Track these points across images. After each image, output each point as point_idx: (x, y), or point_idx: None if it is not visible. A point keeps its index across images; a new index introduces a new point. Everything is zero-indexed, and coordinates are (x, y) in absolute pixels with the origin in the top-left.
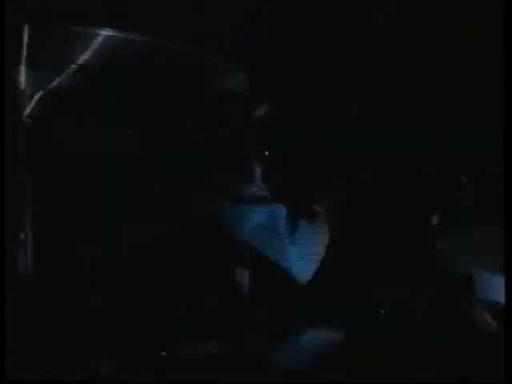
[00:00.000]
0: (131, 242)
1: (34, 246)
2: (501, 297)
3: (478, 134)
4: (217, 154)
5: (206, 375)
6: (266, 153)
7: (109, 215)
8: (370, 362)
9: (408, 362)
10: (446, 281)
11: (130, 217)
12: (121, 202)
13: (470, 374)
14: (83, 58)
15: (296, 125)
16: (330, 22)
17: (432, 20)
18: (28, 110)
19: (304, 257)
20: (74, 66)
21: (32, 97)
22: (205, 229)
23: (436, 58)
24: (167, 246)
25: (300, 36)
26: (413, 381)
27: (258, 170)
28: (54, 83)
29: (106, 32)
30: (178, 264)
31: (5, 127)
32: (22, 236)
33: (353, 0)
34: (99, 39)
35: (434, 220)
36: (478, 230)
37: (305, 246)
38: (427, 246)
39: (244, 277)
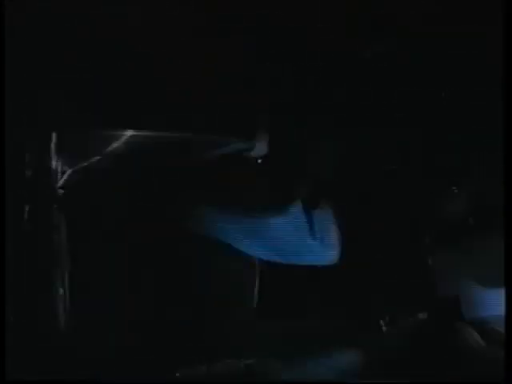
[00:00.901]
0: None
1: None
2: (488, 314)
3: (478, 134)
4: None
5: None
6: (259, 160)
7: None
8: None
9: (408, 360)
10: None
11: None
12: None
13: (470, 374)
14: (108, 149)
15: (296, 125)
16: (329, 22)
17: (432, 20)
18: (61, 183)
19: (326, 243)
20: (97, 157)
21: (63, 173)
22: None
23: (436, 58)
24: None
25: (300, 36)
26: (413, 380)
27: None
28: (82, 164)
29: (128, 132)
30: (190, 283)
31: (5, 153)
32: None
33: (353, 0)
34: (122, 138)
35: (427, 234)
36: (472, 245)
37: (324, 235)
38: (419, 260)
39: (255, 292)
